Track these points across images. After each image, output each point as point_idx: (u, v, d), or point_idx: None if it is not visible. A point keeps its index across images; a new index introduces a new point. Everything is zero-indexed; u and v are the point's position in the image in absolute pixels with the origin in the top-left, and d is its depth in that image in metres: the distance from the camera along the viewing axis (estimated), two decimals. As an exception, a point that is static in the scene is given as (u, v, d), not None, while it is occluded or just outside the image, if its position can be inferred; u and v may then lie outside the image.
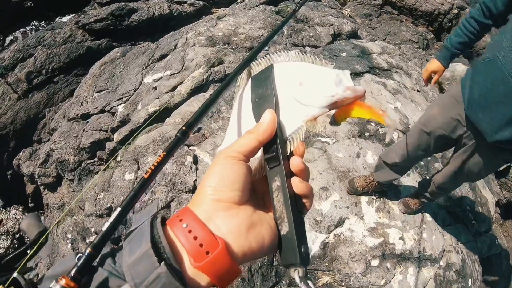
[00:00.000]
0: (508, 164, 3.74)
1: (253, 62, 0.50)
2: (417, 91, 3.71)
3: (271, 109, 0.42)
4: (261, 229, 0.38)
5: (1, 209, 4.21)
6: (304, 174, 0.42)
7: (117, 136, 2.68)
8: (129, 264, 0.34)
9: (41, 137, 3.83)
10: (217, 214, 0.37)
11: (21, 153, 3.74)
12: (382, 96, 3.25)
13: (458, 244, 2.49)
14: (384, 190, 2.45)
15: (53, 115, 3.69)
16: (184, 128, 0.46)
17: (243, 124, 0.48)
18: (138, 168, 2.39)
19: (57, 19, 6.05)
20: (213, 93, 0.50)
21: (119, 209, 0.40)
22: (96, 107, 2.92)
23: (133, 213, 0.43)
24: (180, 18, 4.97)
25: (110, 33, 4.51)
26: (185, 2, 5.25)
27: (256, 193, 0.44)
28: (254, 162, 0.43)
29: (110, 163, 2.50)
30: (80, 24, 4.45)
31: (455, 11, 5.49)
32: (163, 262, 0.32)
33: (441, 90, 4.06)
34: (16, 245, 3.95)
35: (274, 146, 0.41)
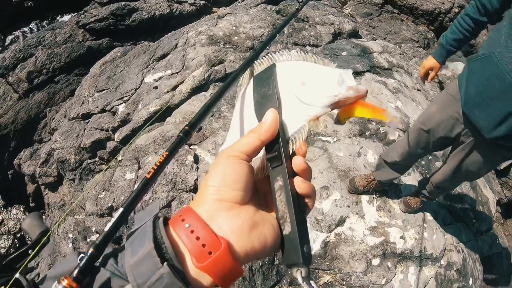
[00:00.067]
0: (511, 163, 3.74)
1: (255, 62, 0.50)
2: (418, 90, 3.70)
3: (274, 108, 0.42)
4: (264, 229, 0.38)
5: (2, 209, 4.22)
6: (307, 173, 0.42)
7: (118, 136, 2.68)
8: (131, 265, 0.34)
9: (42, 137, 3.84)
10: (219, 213, 0.37)
11: (22, 153, 3.74)
12: (383, 95, 3.25)
13: (459, 243, 2.49)
14: (385, 189, 2.44)
15: (54, 114, 3.70)
16: (186, 127, 0.46)
17: (245, 123, 0.48)
18: (139, 168, 2.39)
19: (57, 19, 6.05)
20: (215, 92, 0.51)
21: (121, 209, 0.40)
22: (97, 107, 2.92)
23: (134, 213, 0.43)
24: (181, 18, 4.98)
25: (110, 32, 4.51)
26: (186, 2, 5.26)
27: (258, 193, 0.44)
28: (256, 161, 0.43)
29: (111, 162, 2.50)
30: (80, 24, 4.46)
31: (456, 10, 5.48)
32: (165, 263, 0.32)
33: (442, 89, 4.05)
34: (17, 245, 3.96)
35: (277, 145, 0.41)
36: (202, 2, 5.34)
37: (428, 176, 2.68)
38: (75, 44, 4.23)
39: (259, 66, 0.49)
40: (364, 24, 4.76)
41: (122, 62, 3.13)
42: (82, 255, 0.36)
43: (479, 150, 1.62)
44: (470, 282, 2.39)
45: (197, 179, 2.25)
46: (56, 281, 0.34)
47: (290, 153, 0.42)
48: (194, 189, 2.25)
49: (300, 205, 0.40)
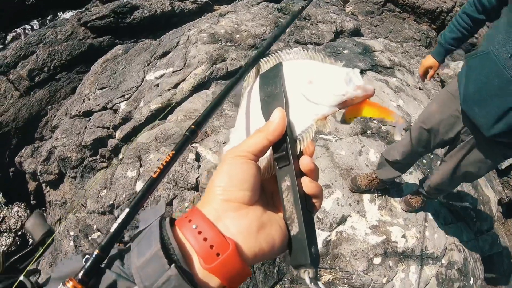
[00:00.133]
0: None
1: (261, 60, 0.49)
2: (420, 89, 3.69)
3: (281, 107, 0.42)
4: (271, 229, 0.38)
5: (3, 206, 4.22)
6: (314, 173, 0.42)
7: (119, 134, 2.68)
8: (138, 266, 0.33)
9: (43, 135, 3.83)
10: (226, 214, 0.36)
11: (23, 151, 3.74)
12: (385, 93, 3.24)
13: (460, 243, 2.49)
14: (387, 188, 2.44)
15: (55, 112, 3.69)
16: (193, 126, 0.45)
17: (252, 122, 0.47)
18: (141, 166, 2.39)
19: (59, 17, 6.04)
20: (220, 91, 0.50)
21: (127, 209, 0.39)
22: (98, 104, 2.92)
23: (138, 214, 0.42)
24: (182, 15, 4.96)
25: (112, 30, 4.50)
26: (187, 0, 5.25)
27: (265, 193, 0.43)
28: (263, 161, 0.43)
29: (113, 160, 2.50)
30: (82, 22, 4.45)
31: (458, 8, 5.47)
32: (173, 264, 0.32)
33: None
34: (18, 243, 3.96)
35: (284, 145, 0.41)
36: (203, 0, 5.33)
37: (429, 175, 2.68)
38: (76, 42, 4.22)
39: (265, 64, 0.48)
40: (366, 23, 4.74)
41: (124, 59, 3.13)
42: (87, 256, 0.36)
43: (479, 148, 1.62)
44: (471, 282, 2.39)
45: (198, 177, 2.25)
46: (61, 283, 0.33)
47: (298, 153, 0.41)
48: (196, 187, 2.25)
49: (308, 206, 0.40)
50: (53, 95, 4.01)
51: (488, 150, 1.59)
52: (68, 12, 6.05)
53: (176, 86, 2.65)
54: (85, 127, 2.90)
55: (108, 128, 2.76)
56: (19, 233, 4.04)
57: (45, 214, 3.77)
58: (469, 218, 2.74)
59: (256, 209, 0.38)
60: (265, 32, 3.17)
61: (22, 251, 3.77)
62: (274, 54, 0.47)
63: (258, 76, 0.48)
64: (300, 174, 0.41)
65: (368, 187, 2.34)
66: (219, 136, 2.37)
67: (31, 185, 3.74)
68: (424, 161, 2.89)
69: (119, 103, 2.83)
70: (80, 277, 0.34)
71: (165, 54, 3.01)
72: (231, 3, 4.98)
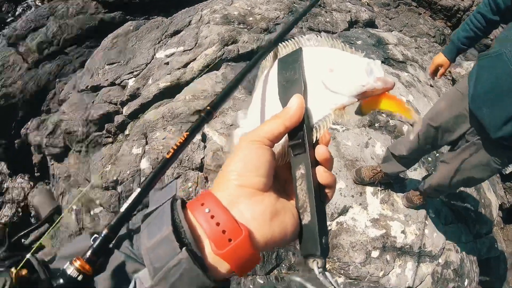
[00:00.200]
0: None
1: (280, 44, 0.48)
2: (431, 86, 3.64)
3: (299, 94, 0.41)
4: (285, 217, 0.37)
5: (7, 177, 4.26)
6: (329, 163, 0.41)
7: (126, 110, 2.67)
8: (148, 248, 0.33)
9: (50, 108, 3.84)
10: (240, 200, 0.36)
11: (29, 123, 3.75)
12: (395, 88, 3.20)
13: (458, 244, 2.49)
14: (390, 182, 2.44)
15: (63, 86, 3.68)
16: (209, 108, 0.44)
17: (267, 107, 0.47)
18: (146, 143, 2.39)
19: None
20: (237, 74, 0.48)
21: (138, 189, 0.38)
22: (107, 80, 2.90)
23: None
24: (195, -5, 4.88)
25: (123, 6, 4.44)
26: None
27: (277, 180, 0.42)
28: (277, 147, 0.42)
29: (118, 136, 2.50)
30: (93, -4, 4.39)
31: (475, 8, 5.35)
32: (184, 248, 0.31)
33: (455, 86, 3.98)
34: (20, 214, 4.01)
35: (300, 133, 0.40)
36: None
37: (433, 173, 2.67)
38: (87, 16, 4.18)
39: (284, 49, 0.47)
40: (381, 15, 4.66)
41: (134, 36, 3.10)
42: (95, 235, 0.35)
43: (484, 151, 1.59)
44: (466, 283, 2.40)
45: (203, 157, 2.25)
46: (68, 262, 0.33)
47: (314, 142, 0.41)
48: (200, 168, 2.25)
49: (321, 195, 0.40)
50: (61, 68, 3.99)
51: (493, 153, 1.58)
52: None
53: (186, 65, 2.63)
54: (92, 102, 2.90)
55: (116, 104, 2.75)
56: (22, 204, 4.09)
57: (48, 187, 3.80)
58: (470, 219, 2.74)
59: (270, 196, 0.37)
60: (278, 16, 3.12)
61: (25, 225, 3.83)
62: (294, 39, 0.46)
63: (277, 60, 0.47)
64: (315, 163, 0.40)
65: (372, 179, 2.34)
66: (226, 118, 2.36)
67: (36, 158, 3.76)
68: (430, 158, 2.87)
69: (128, 79, 2.82)
70: (88, 257, 0.33)
71: (176, 32, 2.98)
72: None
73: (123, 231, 0.37)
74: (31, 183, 4.12)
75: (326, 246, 0.37)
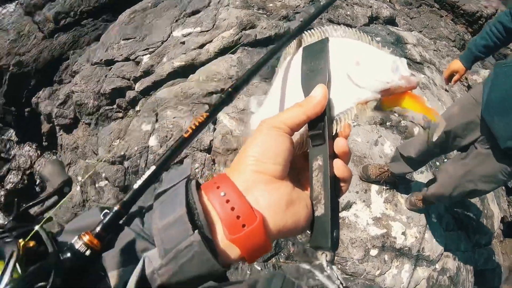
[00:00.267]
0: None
1: (305, 32, 0.47)
2: (446, 90, 3.59)
3: (323, 84, 0.40)
4: (299, 207, 0.37)
5: (14, 144, 4.31)
6: (347, 157, 0.40)
7: (138, 86, 2.67)
8: (159, 228, 0.32)
9: (62, 78, 3.85)
10: (256, 186, 0.35)
11: (40, 92, 3.77)
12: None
13: (457, 251, 2.48)
14: (396, 183, 2.43)
15: (77, 58, 3.69)
16: (230, 90, 0.43)
17: (288, 94, 0.46)
18: (156, 120, 2.39)
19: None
20: (260, 58, 0.47)
21: (153, 167, 0.37)
22: (121, 55, 2.90)
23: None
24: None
25: (142, -18, 4.41)
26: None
27: (293, 169, 0.41)
28: (296, 136, 0.42)
29: (129, 111, 2.51)
30: (113, -30, 4.35)
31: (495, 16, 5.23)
32: (197, 230, 0.31)
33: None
34: (25, 181, 4.07)
35: (321, 123, 0.40)
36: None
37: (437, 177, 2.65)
38: (106, -10, 4.14)
39: (310, 37, 0.46)
40: (402, 13, 4.58)
41: (152, 13, 3.08)
42: (106, 210, 0.35)
43: (492, 161, 1.57)
44: (460, 292, 2.40)
45: (212, 140, 2.25)
46: (77, 236, 0.32)
47: (333, 134, 0.40)
48: (208, 150, 2.25)
49: (336, 189, 0.39)
50: (76, 40, 3.99)
51: (501, 164, 1.55)
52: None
53: (202, 46, 2.62)
54: (105, 76, 2.90)
55: (128, 79, 2.75)
56: (28, 172, 4.14)
57: (55, 157, 3.84)
58: (471, 228, 2.72)
59: (286, 185, 0.37)
60: (299, 5, 3.08)
61: (29, 193, 3.89)
62: (320, 28, 0.45)
63: (301, 48, 0.46)
64: (333, 155, 0.40)
65: (378, 178, 2.33)
66: (238, 103, 2.35)
67: (45, 127, 3.79)
68: (438, 163, 2.85)
69: (143, 55, 2.81)
70: (97, 232, 0.33)
71: (194, 12, 2.95)
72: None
73: (134, 208, 0.37)
74: (38, 151, 4.17)
75: (336, 240, 0.37)
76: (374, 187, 2.42)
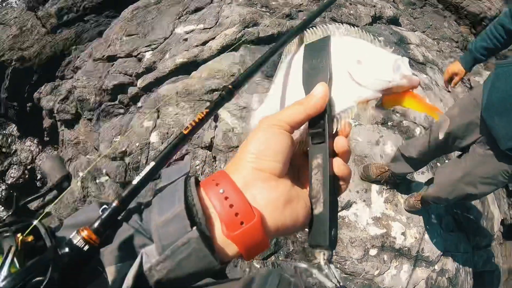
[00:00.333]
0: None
1: (307, 30, 0.47)
2: (448, 91, 3.58)
3: (324, 82, 0.40)
4: (297, 205, 0.37)
5: (16, 139, 4.33)
6: (347, 155, 0.40)
7: (140, 82, 2.68)
8: (158, 224, 0.32)
9: (65, 74, 3.85)
10: (255, 183, 0.35)
11: (42, 87, 3.77)
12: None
13: (456, 253, 2.48)
14: (396, 183, 2.43)
15: (79, 53, 3.69)
16: (230, 87, 0.43)
17: (289, 92, 0.46)
18: (158, 117, 2.39)
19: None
20: (261, 56, 0.47)
21: (152, 163, 0.37)
22: (123, 51, 2.90)
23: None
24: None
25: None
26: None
27: (292, 167, 0.41)
28: (296, 134, 0.42)
29: (131, 108, 2.51)
30: (116, -34, 4.35)
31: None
32: (195, 227, 0.31)
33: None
34: (27, 176, 4.08)
35: (321, 122, 0.40)
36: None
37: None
38: (109, -15, 4.14)
39: (312, 35, 0.46)
40: (406, 13, 4.56)
41: (155, 9, 3.08)
42: (104, 206, 0.35)
43: (492, 162, 1.56)
44: (458, 293, 2.39)
45: (213, 137, 2.25)
46: (75, 231, 0.32)
47: (333, 132, 0.40)
48: (209, 147, 2.25)
49: (335, 187, 0.39)
50: (79, 36, 4.00)
51: (502, 165, 1.54)
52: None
53: (204, 43, 2.62)
54: (108, 72, 2.90)
55: (131, 76, 2.75)
56: (29, 167, 4.16)
57: (56, 152, 3.85)
58: (471, 230, 2.72)
59: (285, 183, 0.37)
60: (302, 3, 3.07)
61: (30, 188, 3.90)
62: (322, 26, 0.45)
63: (303, 46, 0.46)
64: (332, 153, 0.40)
65: (378, 178, 2.33)
66: (240, 100, 2.35)
67: (47, 122, 3.80)
68: (438, 164, 2.84)
69: (145, 52, 2.81)
70: (95, 227, 0.33)
71: (197, 9, 2.95)
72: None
73: (132, 204, 0.37)
74: (40, 146, 4.18)
75: (334, 239, 0.37)
76: (375, 187, 2.42)
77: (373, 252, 2.23)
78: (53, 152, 3.98)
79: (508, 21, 1.53)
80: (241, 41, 2.43)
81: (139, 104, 2.63)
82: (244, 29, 2.62)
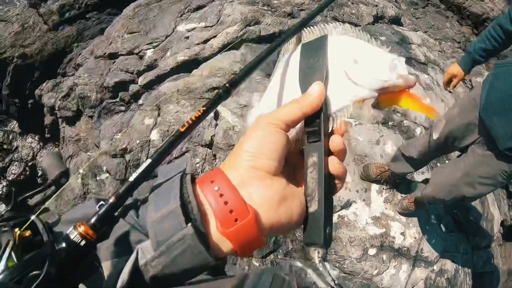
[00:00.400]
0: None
1: (304, 29, 0.47)
2: (449, 91, 3.57)
3: (321, 81, 0.40)
4: (292, 203, 0.37)
5: (17, 136, 4.34)
6: (342, 154, 0.41)
7: (142, 80, 2.68)
8: (153, 220, 0.33)
9: (66, 71, 3.86)
10: (251, 181, 0.35)
11: (44, 84, 3.77)
12: (413, 89, 3.14)
13: (455, 253, 2.48)
14: (396, 183, 2.43)
15: (81, 50, 3.69)
16: (227, 85, 0.43)
17: (286, 91, 0.46)
18: (159, 115, 2.39)
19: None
20: (259, 54, 0.47)
21: (149, 160, 0.37)
22: (125, 48, 2.90)
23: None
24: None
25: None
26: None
27: (287, 165, 0.42)
28: (292, 132, 0.42)
29: (132, 105, 2.51)
30: (118, -37, 4.34)
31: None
32: (190, 224, 0.31)
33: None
34: (28, 173, 4.09)
35: (317, 120, 0.40)
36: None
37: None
38: (111, -17, 4.13)
39: (309, 34, 0.46)
40: (408, 13, 4.54)
41: (157, 7, 3.08)
42: (101, 202, 0.35)
43: (490, 162, 1.56)
44: (457, 294, 2.39)
45: (214, 135, 2.25)
46: (72, 227, 0.33)
47: (329, 131, 0.40)
48: (210, 145, 2.26)
49: (330, 186, 0.39)
50: (81, 33, 4.00)
51: (500, 165, 1.53)
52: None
53: (206, 41, 2.62)
54: (109, 69, 2.90)
55: (132, 73, 2.76)
56: (30, 164, 4.17)
57: (57, 149, 3.86)
58: (470, 231, 2.71)
59: (280, 181, 0.37)
60: (304, 2, 3.07)
61: (31, 184, 3.91)
62: (320, 25, 0.45)
63: (300, 45, 0.46)
64: (328, 152, 0.40)
65: (378, 177, 2.33)
66: (240, 99, 2.35)
67: (48, 119, 3.81)
68: (438, 164, 2.84)
69: (146, 50, 2.81)
70: (92, 223, 0.33)
71: (199, 7, 2.95)
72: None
73: (129, 200, 0.37)
74: (41, 143, 4.19)
75: (329, 237, 0.38)
76: (375, 187, 2.42)
77: (372, 251, 2.23)
78: (54, 149, 3.99)
79: (505, 22, 1.53)
80: (242, 39, 2.43)
81: (140, 101, 2.64)
82: (245, 27, 2.62)
